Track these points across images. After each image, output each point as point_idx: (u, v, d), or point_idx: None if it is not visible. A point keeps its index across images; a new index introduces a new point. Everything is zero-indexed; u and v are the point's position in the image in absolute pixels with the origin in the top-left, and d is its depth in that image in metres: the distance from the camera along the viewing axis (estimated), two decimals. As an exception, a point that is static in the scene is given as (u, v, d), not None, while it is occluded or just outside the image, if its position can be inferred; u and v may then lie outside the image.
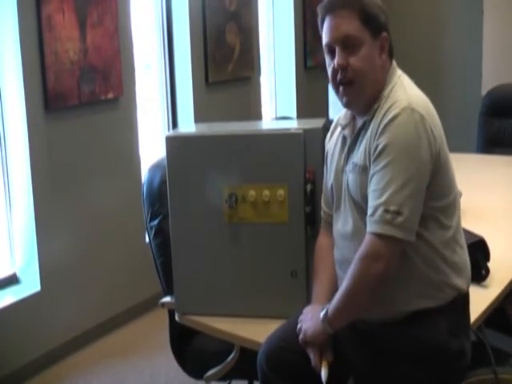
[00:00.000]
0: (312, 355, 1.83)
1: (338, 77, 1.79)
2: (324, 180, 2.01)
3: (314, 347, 1.83)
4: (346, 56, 1.76)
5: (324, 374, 1.79)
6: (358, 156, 1.80)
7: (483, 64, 5.99)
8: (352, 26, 1.75)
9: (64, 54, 3.47)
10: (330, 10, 1.78)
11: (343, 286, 1.76)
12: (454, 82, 6.25)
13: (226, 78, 4.77)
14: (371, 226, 1.71)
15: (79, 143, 3.69)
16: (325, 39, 1.81)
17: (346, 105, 1.84)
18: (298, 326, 1.87)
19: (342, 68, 1.77)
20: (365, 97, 1.80)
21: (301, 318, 1.89)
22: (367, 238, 1.72)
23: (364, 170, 1.76)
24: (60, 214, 3.59)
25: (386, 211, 1.67)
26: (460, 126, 6.00)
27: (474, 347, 1.86)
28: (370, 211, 1.71)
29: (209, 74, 4.57)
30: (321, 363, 1.81)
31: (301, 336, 1.85)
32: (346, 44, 1.76)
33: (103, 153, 3.85)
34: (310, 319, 1.84)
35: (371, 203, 1.71)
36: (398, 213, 1.67)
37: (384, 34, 1.79)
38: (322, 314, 1.79)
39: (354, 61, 1.76)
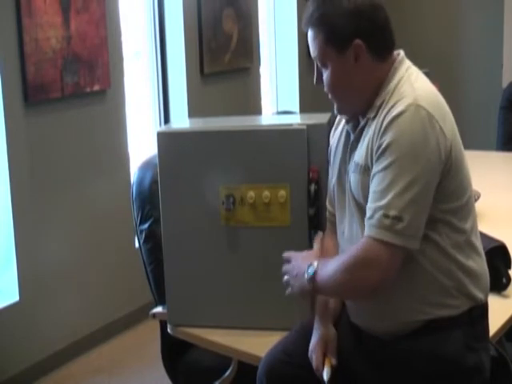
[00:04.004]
0: (314, 358, 1.86)
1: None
2: (328, 178, 2.02)
3: (317, 348, 1.87)
4: (319, 73, 1.86)
5: (327, 372, 1.82)
6: (359, 155, 1.82)
7: (504, 53, 6.00)
8: (316, 45, 1.83)
9: (45, 41, 3.48)
10: (303, 27, 1.87)
11: (336, 264, 1.75)
12: (472, 74, 6.26)
13: (222, 69, 4.78)
14: (369, 229, 1.71)
15: (62, 140, 3.70)
16: None
17: (338, 112, 1.92)
18: (285, 277, 1.89)
19: (319, 84, 1.88)
20: (351, 105, 1.86)
21: (286, 267, 1.89)
22: (364, 240, 1.72)
23: (366, 171, 1.78)
24: (41, 217, 3.60)
25: (386, 216, 1.68)
26: (478, 121, 6.02)
27: (493, 362, 1.87)
28: (368, 213, 1.72)
29: (204, 65, 4.58)
30: (323, 365, 1.84)
31: (288, 289, 1.88)
32: (318, 62, 1.86)
33: (89, 150, 3.86)
34: (296, 276, 1.84)
35: (370, 204, 1.72)
36: (398, 218, 1.68)
37: (356, 41, 1.79)
38: (308, 274, 1.79)
39: (324, 78, 1.86)
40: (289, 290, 1.88)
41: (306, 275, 1.79)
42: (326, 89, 1.87)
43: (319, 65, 1.85)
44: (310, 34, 1.84)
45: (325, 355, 1.87)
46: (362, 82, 1.83)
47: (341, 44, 1.80)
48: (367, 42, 1.79)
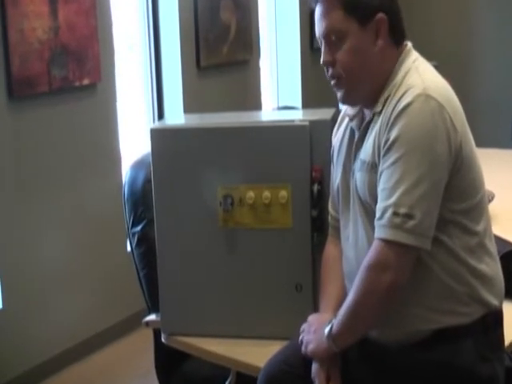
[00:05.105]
0: (318, 381, 1.85)
1: (328, 72, 1.86)
2: (331, 179, 2.02)
3: (320, 372, 1.85)
4: (332, 51, 1.83)
5: None
6: (366, 152, 1.81)
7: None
8: (334, 17, 1.81)
9: (31, 32, 3.48)
10: (312, 2, 1.85)
11: (349, 298, 1.79)
12: (487, 69, 6.27)
13: (220, 62, 4.78)
14: (379, 231, 1.72)
15: (50, 137, 3.70)
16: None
17: (341, 100, 1.90)
18: (300, 336, 1.90)
19: (329, 64, 1.84)
20: (361, 91, 1.85)
21: (303, 327, 1.92)
22: (375, 244, 1.73)
23: (373, 168, 1.78)
24: (27, 220, 3.59)
25: (396, 214, 1.69)
26: (493, 118, 6.02)
27: (508, 373, 1.86)
28: (378, 214, 1.73)
29: (200, 57, 4.58)
30: None
31: (303, 348, 1.89)
32: (330, 38, 1.82)
33: (78, 148, 3.86)
34: (314, 332, 1.87)
35: (379, 204, 1.73)
36: (409, 216, 1.68)
37: (379, 15, 1.80)
38: (326, 331, 1.82)
39: (340, 56, 1.82)
40: (303, 349, 1.89)
41: (325, 330, 1.82)
42: (336, 70, 1.82)
43: (334, 39, 1.81)
44: (322, 7, 1.82)
45: (328, 380, 1.85)
46: (375, 66, 1.82)
47: (364, 15, 1.79)
48: (389, 18, 1.81)
